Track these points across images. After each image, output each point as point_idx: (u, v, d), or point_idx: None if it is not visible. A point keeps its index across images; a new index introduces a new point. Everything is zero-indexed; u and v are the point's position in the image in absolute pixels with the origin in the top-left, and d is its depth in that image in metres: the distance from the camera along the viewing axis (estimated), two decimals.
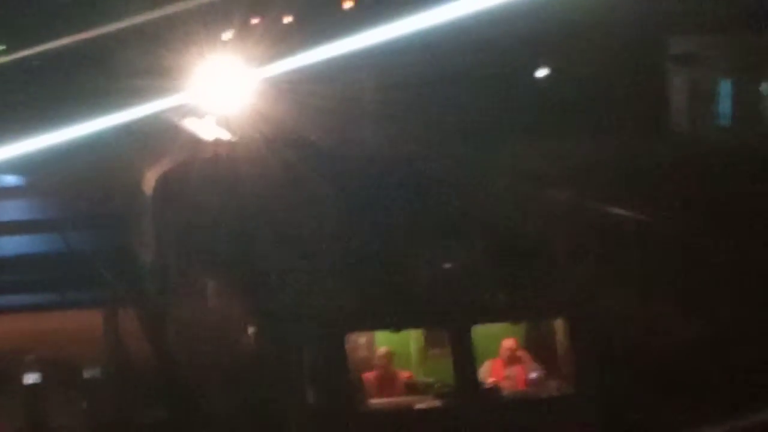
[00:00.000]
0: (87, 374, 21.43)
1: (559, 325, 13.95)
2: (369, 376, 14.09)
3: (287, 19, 72.23)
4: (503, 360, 14.14)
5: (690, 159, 50.95)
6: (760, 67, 52.30)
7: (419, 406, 13.57)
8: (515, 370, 14.06)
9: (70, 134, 9.62)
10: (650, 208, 33.68)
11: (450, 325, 13.48)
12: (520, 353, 14.21)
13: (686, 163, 49.83)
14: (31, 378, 21.26)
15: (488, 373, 13.99)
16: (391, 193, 16.87)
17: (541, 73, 57.61)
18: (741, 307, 26.60)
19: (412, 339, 14.58)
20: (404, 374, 14.27)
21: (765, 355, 24.39)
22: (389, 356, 14.19)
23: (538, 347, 14.31)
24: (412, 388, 14.09)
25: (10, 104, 72.44)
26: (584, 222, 34.14)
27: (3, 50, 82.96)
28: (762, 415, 17.43)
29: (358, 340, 14.17)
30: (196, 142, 29.20)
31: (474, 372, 13.43)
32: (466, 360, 13.33)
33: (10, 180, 42.55)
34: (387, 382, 14.03)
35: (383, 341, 14.31)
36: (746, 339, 25.89)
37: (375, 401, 13.72)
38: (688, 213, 33.32)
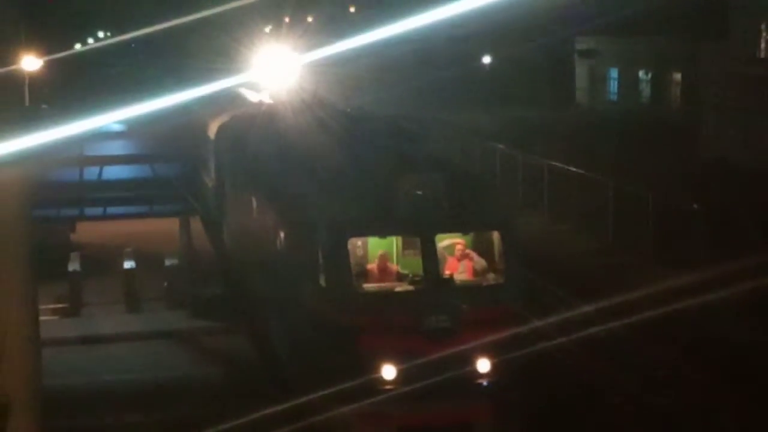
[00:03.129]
0: (167, 262, 21.36)
1: (495, 235, 13.85)
2: (372, 267, 14.01)
3: (309, 19, 71.59)
4: (457, 257, 14.06)
5: (589, 122, 50.94)
6: (637, 60, 52.23)
7: (398, 289, 13.50)
8: (466, 265, 13.97)
9: (157, 101, 9.38)
10: (561, 155, 33.61)
11: (420, 233, 13.38)
12: (469, 253, 14.12)
13: (586, 125, 49.82)
14: (128, 264, 21.21)
15: (446, 266, 13.92)
16: (381, 141, 16.73)
17: (486, 60, 57.23)
18: (622, 225, 26.53)
19: (394, 243, 14.49)
20: (394, 267, 14.16)
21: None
22: (385, 255, 14.09)
23: (481, 250, 14.22)
24: (396, 276, 13.99)
25: (113, 75, 72.08)
26: (513, 165, 34.05)
27: (109, 36, 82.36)
28: None
29: (357, 242, 14.06)
30: (245, 102, 29.00)
31: (437, 266, 13.33)
32: (431, 258, 13.25)
33: (116, 127, 42.29)
34: (383, 272, 13.93)
35: (374, 245, 14.22)
36: (623, 247, 25.90)
37: (369, 284, 13.65)
38: (586, 160, 33.22)
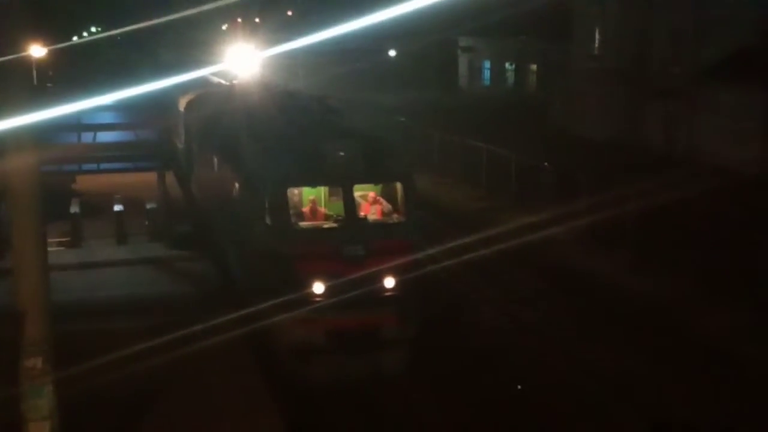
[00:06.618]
0: (148, 206, 20.99)
1: (398, 185, 13.86)
2: (306, 209, 13.89)
3: (257, 19, 70.27)
4: (369, 203, 14.05)
5: (468, 103, 51.16)
6: (504, 54, 52.49)
7: (325, 226, 13.46)
8: (376, 208, 13.97)
9: (142, 86, 9.16)
10: (447, 127, 33.76)
11: (342, 184, 13.33)
12: (379, 199, 14.12)
13: (466, 105, 50.02)
14: (117, 207, 20.80)
15: (362, 209, 13.90)
16: (312, 115, 16.58)
17: (392, 53, 56.99)
18: (492, 178, 26.81)
19: (322, 192, 14.41)
20: (322, 210, 14.06)
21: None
22: (315, 200, 14.00)
23: (387, 197, 14.23)
24: (324, 216, 13.93)
25: (103, 64, 69.94)
26: (412, 133, 34.07)
27: (100, 30, 79.69)
28: None
29: (294, 191, 13.95)
30: (207, 83, 28.44)
31: (354, 209, 13.32)
32: (350, 203, 13.22)
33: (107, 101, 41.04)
34: (314, 213, 13.85)
35: (307, 193, 14.13)
36: (493, 194, 26.21)
37: (303, 222, 13.56)
38: (466, 130, 33.43)
